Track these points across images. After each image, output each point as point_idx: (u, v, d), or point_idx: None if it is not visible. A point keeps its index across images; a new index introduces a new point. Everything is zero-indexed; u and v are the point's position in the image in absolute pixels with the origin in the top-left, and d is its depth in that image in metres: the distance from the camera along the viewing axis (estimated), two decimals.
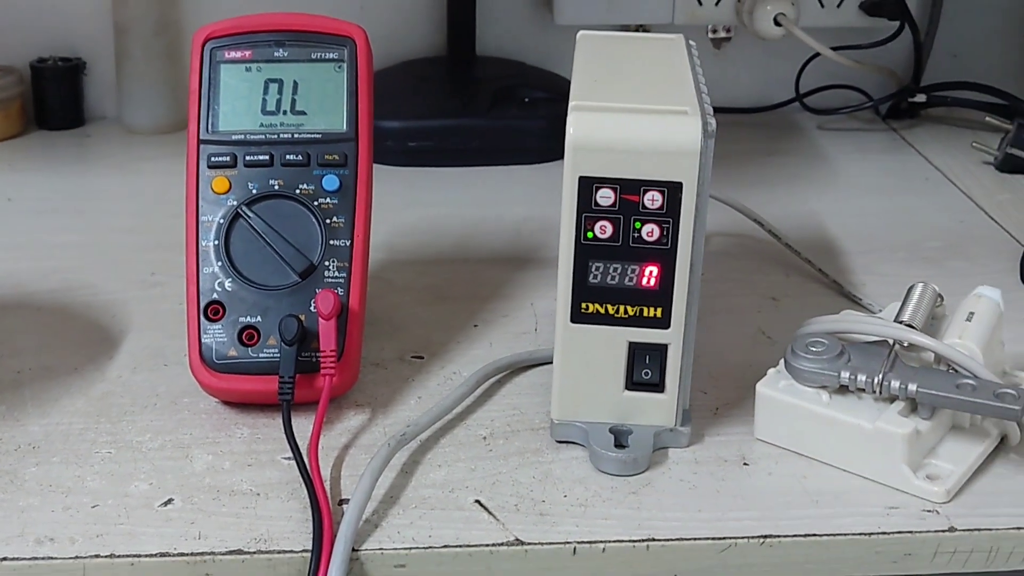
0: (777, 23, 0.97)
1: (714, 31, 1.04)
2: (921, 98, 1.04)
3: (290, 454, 0.57)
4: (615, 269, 0.56)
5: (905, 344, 0.59)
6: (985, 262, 0.80)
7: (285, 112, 0.64)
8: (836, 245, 0.81)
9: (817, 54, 0.99)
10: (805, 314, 0.63)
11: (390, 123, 0.94)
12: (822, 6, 1.02)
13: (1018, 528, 0.54)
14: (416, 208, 0.87)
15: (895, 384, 0.56)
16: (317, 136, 0.63)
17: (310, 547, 0.52)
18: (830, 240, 0.82)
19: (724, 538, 0.53)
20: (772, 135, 1.03)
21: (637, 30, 1.03)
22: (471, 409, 0.62)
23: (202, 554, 0.52)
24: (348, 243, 0.62)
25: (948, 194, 0.91)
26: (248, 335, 0.61)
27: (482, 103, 0.96)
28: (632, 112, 0.55)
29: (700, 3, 1.01)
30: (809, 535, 0.53)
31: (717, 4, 1.01)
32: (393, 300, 0.73)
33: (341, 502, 0.55)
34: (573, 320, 0.57)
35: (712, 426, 0.61)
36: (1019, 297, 0.75)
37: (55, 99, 1.00)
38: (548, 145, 0.91)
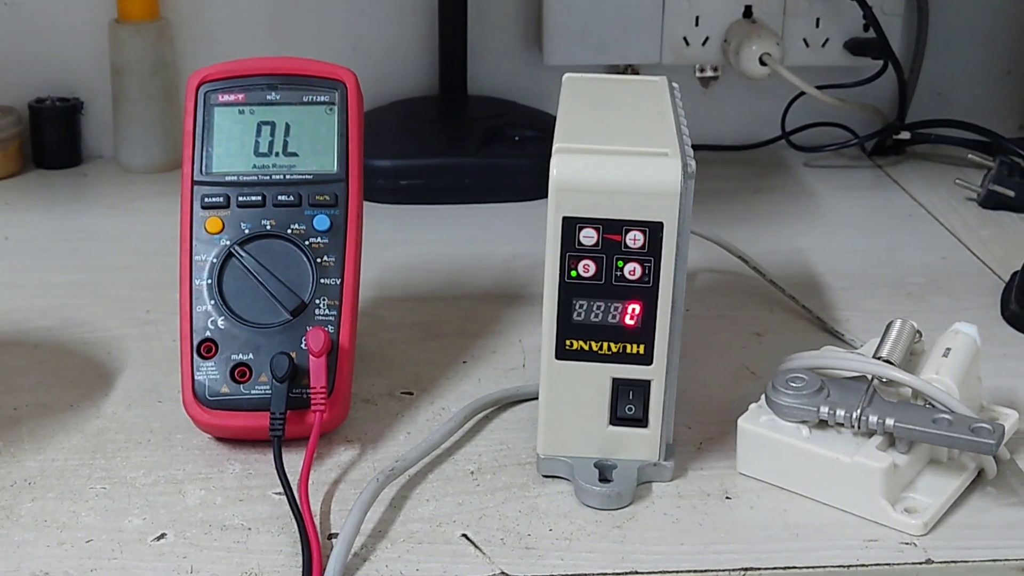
0: (763, 63, 0.99)
1: (702, 70, 1.05)
2: (906, 135, 1.05)
3: (281, 489, 0.58)
4: (598, 307, 0.57)
5: (883, 379, 0.60)
6: (967, 297, 0.81)
7: (277, 154, 0.65)
8: (820, 281, 0.83)
9: (803, 93, 1.01)
10: (788, 349, 0.65)
11: (382, 162, 0.95)
12: (807, 46, 1.04)
13: (994, 560, 0.55)
14: (407, 246, 0.88)
15: (873, 419, 0.57)
16: (308, 177, 0.65)
17: None
18: (814, 276, 0.84)
19: (706, 571, 0.54)
20: (759, 172, 1.04)
21: (626, 70, 1.05)
22: (459, 444, 0.63)
23: None
24: (338, 281, 0.63)
25: (931, 230, 0.93)
26: (240, 372, 0.62)
27: (473, 142, 0.98)
28: (614, 154, 0.56)
29: (687, 43, 1.03)
30: (789, 567, 0.54)
31: (704, 44, 1.03)
32: (384, 337, 0.74)
33: (331, 536, 0.56)
34: (558, 357, 0.58)
35: (695, 460, 0.62)
36: (1000, 332, 0.76)
37: (53, 139, 1.02)
38: (538, 183, 0.91)
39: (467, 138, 0.99)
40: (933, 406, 0.58)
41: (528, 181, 0.95)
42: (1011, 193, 0.95)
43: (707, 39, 1.03)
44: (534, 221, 0.92)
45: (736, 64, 1.01)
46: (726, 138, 1.08)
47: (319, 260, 0.64)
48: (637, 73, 1.05)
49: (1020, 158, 0.96)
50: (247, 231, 0.64)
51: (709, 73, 1.05)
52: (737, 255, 0.80)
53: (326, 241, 0.64)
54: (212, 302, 0.63)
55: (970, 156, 1.00)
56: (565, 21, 1.01)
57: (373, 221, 0.88)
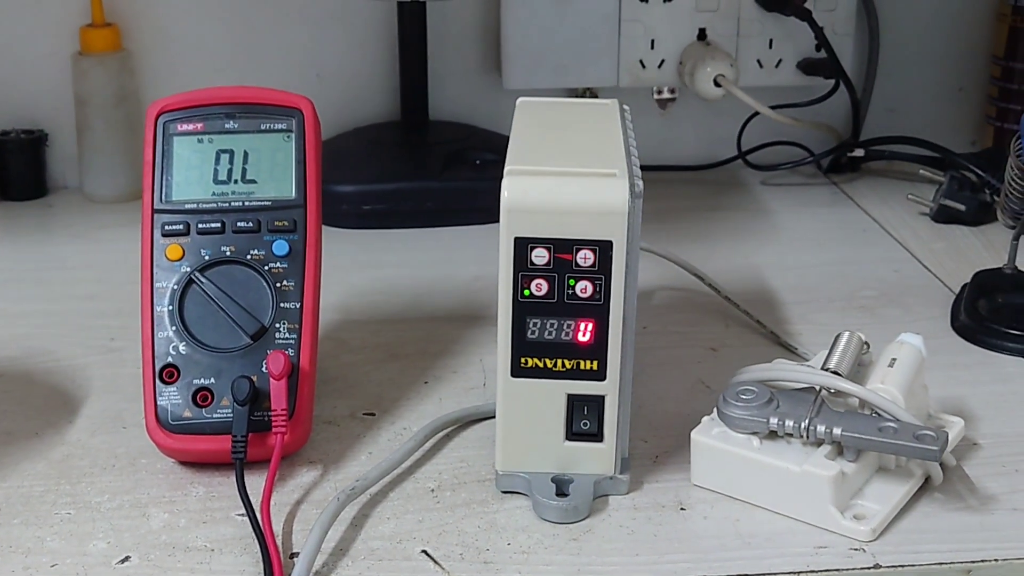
0: (717, 84, 1.01)
1: (659, 93, 1.07)
2: (860, 152, 1.07)
3: (244, 511, 0.59)
4: (552, 325, 0.58)
5: (831, 390, 0.61)
6: (918, 310, 0.83)
7: (236, 181, 0.66)
8: (775, 296, 0.84)
9: (758, 112, 1.03)
10: (743, 363, 0.66)
11: (345, 187, 0.97)
12: (761, 66, 1.06)
13: (940, 563, 0.56)
14: (370, 269, 0.89)
15: (821, 428, 0.58)
16: (267, 203, 0.66)
17: None
18: (770, 292, 0.85)
19: None
20: (716, 191, 1.06)
21: (584, 93, 1.06)
22: (420, 463, 0.64)
23: None
24: (298, 305, 0.65)
25: (885, 245, 0.94)
26: (202, 396, 0.63)
27: (435, 166, 0.99)
28: (564, 175, 0.58)
29: (643, 66, 1.04)
30: (742, 575, 0.55)
31: (660, 67, 1.05)
32: (346, 359, 0.76)
33: (292, 555, 0.57)
34: (513, 374, 0.59)
35: (651, 473, 0.63)
36: (949, 343, 0.78)
37: (18, 171, 1.03)
38: (499, 206, 0.94)
39: (429, 162, 1.00)
40: (879, 415, 0.60)
41: (489, 204, 0.94)
42: (962, 207, 0.97)
43: (663, 62, 1.05)
44: (495, 243, 0.93)
45: (692, 86, 1.03)
46: (684, 158, 1.10)
47: (279, 284, 0.65)
48: (596, 96, 1.06)
49: (971, 173, 0.98)
50: (207, 257, 0.65)
51: (666, 95, 1.07)
52: (693, 273, 0.81)
53: (285, 266, 0.65)
54: (173, 328, 0.64)
55: (922, 172, 1.01)
56: (523, 46, 1.03)
57: (337, 245, 0.89)
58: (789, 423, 0.59)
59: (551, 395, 0.60)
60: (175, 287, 0.64)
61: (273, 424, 0.61)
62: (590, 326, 0.58)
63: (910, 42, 1.12)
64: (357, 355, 0.76)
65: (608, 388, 0.59)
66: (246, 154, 0.66)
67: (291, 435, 0.62)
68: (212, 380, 0.63)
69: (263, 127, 0.67)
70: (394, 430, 0.68)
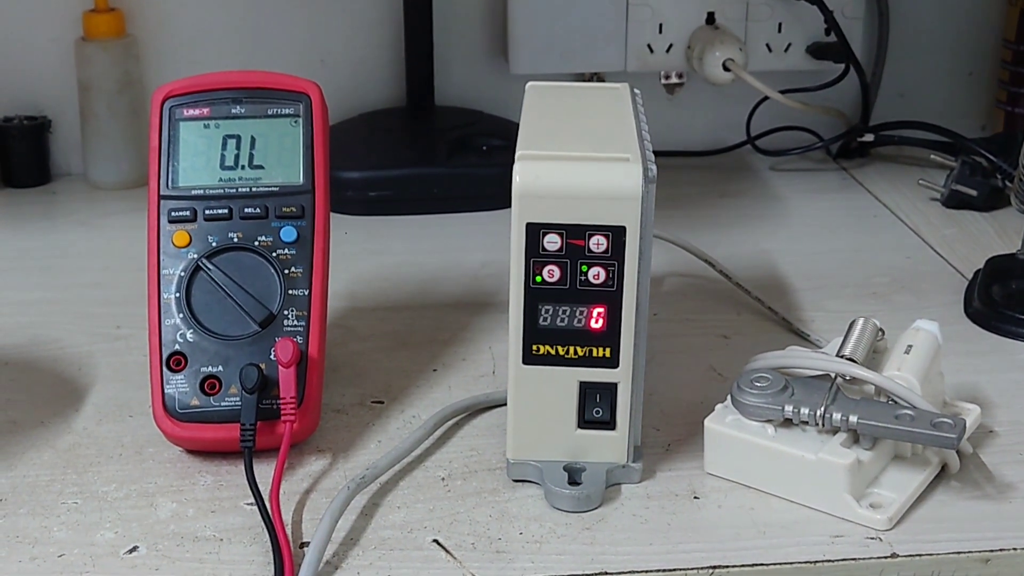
0: (726, 68, 1.00)
1: (667, 77, 1.06)
2: (869, 137, 1.06)
3: (252, 500, 0.58)
4: (564, 311, 0.58)
5: (846, 377, 0.61)
6: (931, 296, 0.82)
7: (243, 167, 0.65)
8: (786, 283, 0.84)
9: (767, 97, 1.02)
10: (755, 351, 0.65)
11: (351, 174, 0.96)
12: (770, 51, 1.05)
13: (958, 552, 0.55)
14: (377, 257, 0.88)
15: (836, 416, 0.58)
16: (275, 189, 0.65)
17: None
18: (781, 278, 0.85)
19: (674, 570, 0.54)
20: (725, 177, 1.05)
21: (592, 78, 1.06)
22: (430, 451, 0.64)
23: None
24: (306, 292, 0.64)
25: (896, 231, 0.94)
26: (210, 384, 0.62)
27: (441, 152, 0.99)
28: (576, 160, 0.57)
29: (651, 51, 1.04)
30: (757, 564, 0.55)
31: (668, 51, 1.04)
32: (355, 347, 0.75)
33: (302, 545, 0.56)
34: (525, 362, 0.59)
35: (664, 462, 0.62)
36: (963, 329, 0.77)
37: (21, 157, 1.02)
38: (506, 191, 0.92)
39: (435, 148, 0.99)
40: (896, 402, 0.59)
41: (496, 190, 0.94)
42: (973, 192, 0.96)
43: (671, 46, 1.04)
44: (503, 229, 0.91)
45: (700, 70, 1.02)
46: (693, 144, 1.09)
47: (287, 271, 0.64)
48: (603, 81, 1.05)
49: (982, 158, 0.97)
50: (214, 244, 0.64)
51: (674, 80, 1.06)
52: (704, 259, 0.81)
53: (293, 252, 0.64)
54: (180, 315, 0.63)
55: (933, 157, 1.01)
56: (530, 31, 1.02)
57: (343, 233, 0.88)
58: (804, 411, 0.58)
59: (563, 382, 0.59)
60: (182, 274, 0.64)
61: (282, 412, 0.61)
62: (603, 312, 0.58)
63: (920, 26, 1.11)
64: (365, 343, 0.76)
65: (621, 375, 0.59)
66: (253, 139, 0.66)
67: (300, 423, 0.62)
68: (220, 368, 0.62)
69: (270, 112, 0.66)
70: (403, 418, 0.67)
